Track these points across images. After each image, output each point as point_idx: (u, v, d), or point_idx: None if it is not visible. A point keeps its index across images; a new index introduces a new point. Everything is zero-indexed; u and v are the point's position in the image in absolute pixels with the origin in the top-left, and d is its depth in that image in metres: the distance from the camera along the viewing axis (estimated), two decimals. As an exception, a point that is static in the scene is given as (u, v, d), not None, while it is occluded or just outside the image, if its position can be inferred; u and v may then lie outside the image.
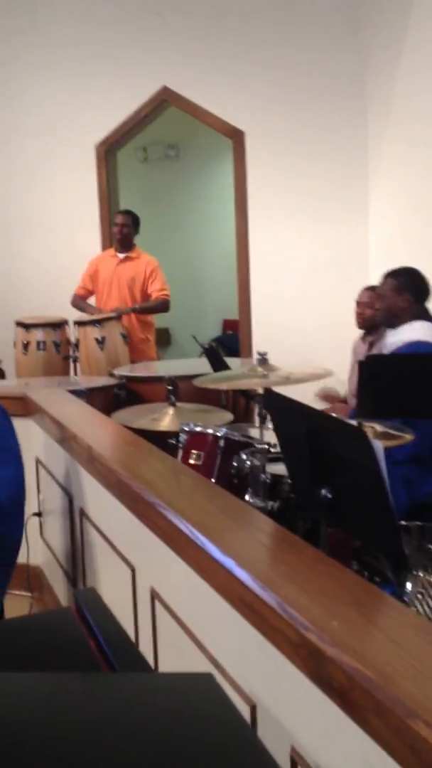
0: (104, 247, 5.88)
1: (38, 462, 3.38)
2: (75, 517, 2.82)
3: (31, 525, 3.27)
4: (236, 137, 5.68)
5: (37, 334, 5.01)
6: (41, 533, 3.40)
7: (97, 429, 2.83)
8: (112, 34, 5.84)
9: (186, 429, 2.99)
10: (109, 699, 0.95)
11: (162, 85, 5.73)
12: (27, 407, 3.50)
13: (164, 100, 5.82)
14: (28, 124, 6.09)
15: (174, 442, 3.18)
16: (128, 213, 5.45)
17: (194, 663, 1.65)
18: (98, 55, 5.89)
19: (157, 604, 1.93)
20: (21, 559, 3.23)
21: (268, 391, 2.13)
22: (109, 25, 5.84)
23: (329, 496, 1.82)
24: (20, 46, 6.06)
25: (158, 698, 0.95)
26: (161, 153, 7.88)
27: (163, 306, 5.35)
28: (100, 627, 1.14)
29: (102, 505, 2.40)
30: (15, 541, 2.61)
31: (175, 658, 1.86)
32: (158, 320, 5.71)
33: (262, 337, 5.68)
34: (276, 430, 2.08)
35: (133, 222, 5.40)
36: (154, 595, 1.94)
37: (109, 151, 6.02)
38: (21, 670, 1.06)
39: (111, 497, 2.25)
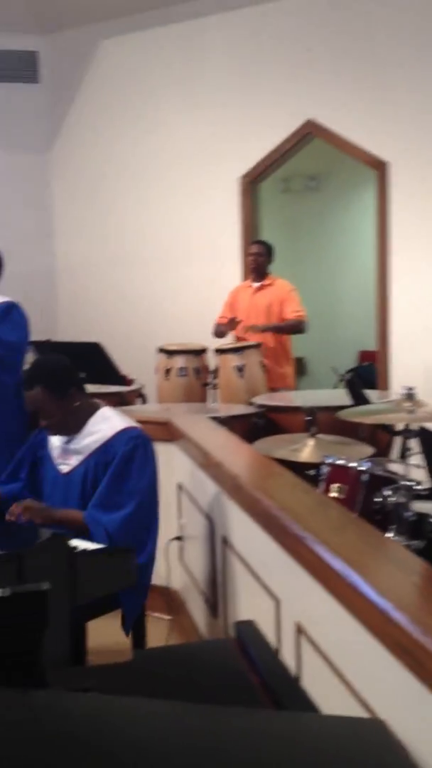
0: (245, 277, 5.96)
1: (180, 487, 3.45)
2: (216, 544, 2.85)
3: (171, 549, 3.33)
4: (380, 168, 5.64)
5: (179, 361, 5.14)
6: (181, 558, 3.45)
7: (241, 458, 2.86)
8: (258, 69, 5.96)
9: (329, 461, 2.97)
10: (277, 738, 0.95)
11: (306, 118, 5.79)
12: (170, 432, 3.58)
13: (308, 133, 5.87)
14: (175, 156, 6.28)
15: (313, 474, 3.17)
16: (261, 243, 5.55)
17: (342, 704, 1.63)
18: (245, 89, 6.02)
19: (303, 640, 1.92)
20: (161, 582, 3.31)
21: (424, 430, 2.09)
22: (256, 59, 5.96)
23: None
24: (169, 79, 6.28)
25: (328, 741, 0.94)
26: (302, 184, 7.92)
27: (298, 326, 5.37)
28: (263, 662, 1.14)
29: (246, 534, 2.42)
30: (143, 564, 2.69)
31: (321, 697, 1.83)
32: (293, 350, 5.73)
33: (401, 370, 5.58)
34: (430, 469, 2.04)
35: (266, 251, 5.48)
36: (300, 630, 1.93)
37: (252, 183, 6.13)
38: (183, 699, 1.08)
39: (256, 527, 2.26)
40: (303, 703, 1.06)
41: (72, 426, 2.80)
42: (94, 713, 1.01)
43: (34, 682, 1.02)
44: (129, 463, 2.72)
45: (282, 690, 1.06)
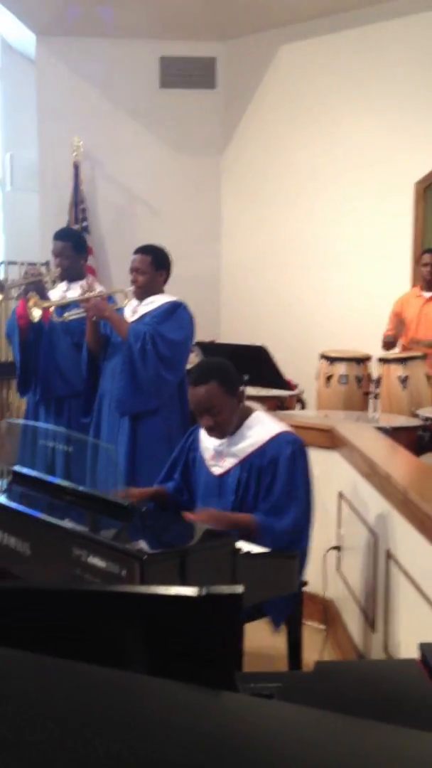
0: (413, 284, 5.80)
1: (341, 496, 3.39)
2: (379, 557, 2.77)
3: (329, 558, 3.28)
4: None
5: (341, 368, 5.08)
6: (338, 567, 3.39)
7: (410, 471, 2.77)
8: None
9: None
10: None
11: None
12: (333, 440, 3.53)
13: None
14: (347, 162, 6.21)
15: None
16: None
17: None
18: (422, 95, 5.85)
19: None
20: (317, 590, 3.27)
21: None
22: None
23: None
24: (344, 85, 6.21)
25: None
26: None
27: None
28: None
29: (415, 550, 2.34)
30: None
31: None
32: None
33: None
34: None
35: None
36: (474, 657, 1.83)
37: (427, 189, 5.95)
38: (366, 717, 1.04)
39: (427, 544, 2.18)
40: None
41: (231, 427, 2.80)
42: (279, 722, 0.99)
43: (225, 685, 1.01)
44: (292, 467, 2.70)
45: None
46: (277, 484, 2.68)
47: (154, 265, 3.92)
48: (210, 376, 2.71)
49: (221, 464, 2.83)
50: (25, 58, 7.02)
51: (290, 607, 2.72)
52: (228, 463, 2.81)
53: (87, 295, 3.91)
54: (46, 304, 3.97)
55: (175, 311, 3.92)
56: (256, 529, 2.62)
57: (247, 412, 2.84)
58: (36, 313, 3.88)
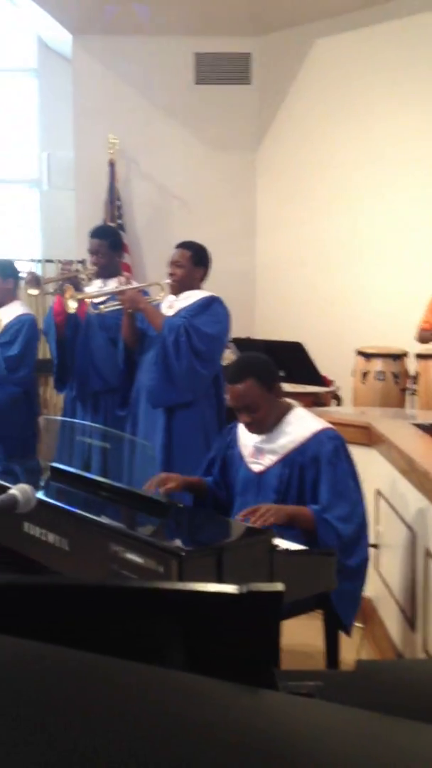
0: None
1: (378, 493, 3.36)
2: (418, 555, 2.74)
3: (366, 556, 3.25)
4: None
5: (377, 364, 5.03)
6: (376, 566, 3.36)
7: (450, 469, 2.73)
8: None
9: None
10: None
11: None
12: (370, 437, 3.50)
13: None
14: (383, 157, 6.14)
15: None
16: None
17: None
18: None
19: None
20: (354, 588, 3.23)
21: None
22: None
23: None
24: (382, 79, 6.14)
25: None
26: None
27: None
28: None
29: (455, 549, 2.31)
30: (358, 567, 2.64)
31: None
32: None
33: None
34: None
35: None
36: None
37: (466, 182, 5.87)
38: (409, 718, 1.02)
39: (468, 543, 2.14)
40: None
41: (270, 423, 2.78)
42: (323, 722, 0.97)
43: (265, 683, 1.00)
44: (336, 463, 2.67)
45: None
46: (323, 483, 2.65)
47: (193, 261, 3.92)
48: (247, 373, 2.69)
49: (261, 461, 2.81)
50: (61, 58, 7.06)
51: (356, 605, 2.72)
52: (268, 460, 2.79)
53: (122, 287, 3.93)
54: (82, 296, 4.00)
55: (211, 305, 3.91)
56: (314, 521, 2.59)
57: (287, 408, 2.81)
58: (72, 305, 3.91)
